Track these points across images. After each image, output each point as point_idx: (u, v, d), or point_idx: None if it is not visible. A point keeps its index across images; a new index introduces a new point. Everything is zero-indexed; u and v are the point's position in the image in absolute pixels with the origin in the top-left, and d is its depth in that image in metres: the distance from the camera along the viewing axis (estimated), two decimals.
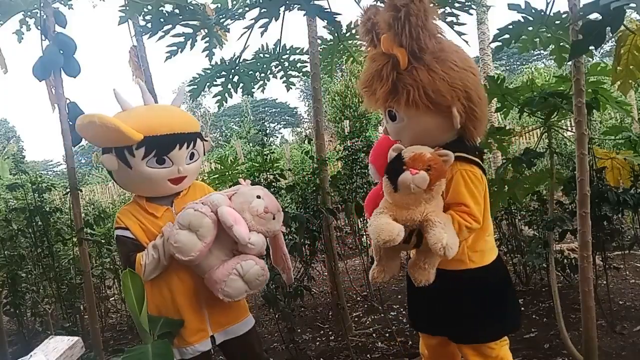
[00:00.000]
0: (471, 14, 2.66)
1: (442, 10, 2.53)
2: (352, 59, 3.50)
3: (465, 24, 2.69)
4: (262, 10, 2.41)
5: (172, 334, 1.79)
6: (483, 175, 1.64)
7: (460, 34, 2.76)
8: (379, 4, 1.91)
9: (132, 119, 1.79)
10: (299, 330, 3.42)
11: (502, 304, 1.74)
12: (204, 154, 2.01)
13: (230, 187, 2.94)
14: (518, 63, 34.47)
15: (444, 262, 1.62)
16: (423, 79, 1.51)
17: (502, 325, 1.76)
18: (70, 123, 2.87)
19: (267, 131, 3.36)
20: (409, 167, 1.47)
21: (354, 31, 3.11)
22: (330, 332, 3.37)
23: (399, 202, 1.52)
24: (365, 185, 3.61)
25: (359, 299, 3.97)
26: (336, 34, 3.22)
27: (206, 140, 2.01)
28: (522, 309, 3.22)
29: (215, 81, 2.96)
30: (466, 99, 1.56)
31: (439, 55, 1.54)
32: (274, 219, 1.84)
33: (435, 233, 1.45)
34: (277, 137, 39.58)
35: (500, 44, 2.14)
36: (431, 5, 1.51)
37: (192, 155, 1.89)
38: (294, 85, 3.31)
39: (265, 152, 3.14)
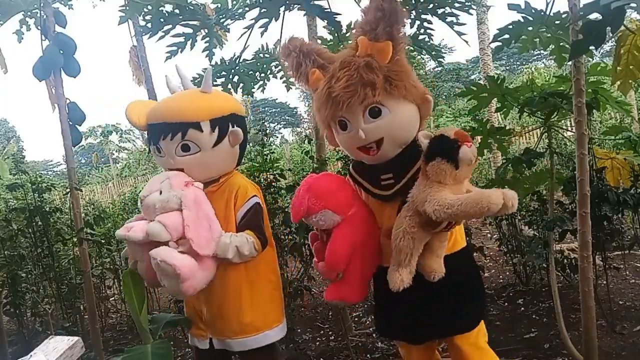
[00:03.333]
0: (471, 14, 2.67)
1: (442, 10, 2.54)
2: None
3: (465, 24, 2.70)
4: (262, 10, 2.41)
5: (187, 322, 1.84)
6: None
7: (460, 34, 2.77)
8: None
9: (150, 104, 1.86)
10: (299, 330, 3.42)
11: (481, 282, 1.85)
12: (232, 145, 1.84)
13: None
14: (518, 63, 34.46)
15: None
16: (407, 67, 1.61)
17: (483, 305, 1.85)
18: (71, 123, 2.87)
19: (267, 131, 3.36)
20: (463, 142, 1.48)
21: (354, 31, 3.11)
22: (330, 332, 3.37)
23: (460, 178, 1.51)
24: None
25: None
26: (336, 34, 3.22)
27: (202, 131, 1.75)
28: (522, 309, 3.22)
29: (215, 81, 2.96)
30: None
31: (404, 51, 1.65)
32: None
33: (488, 191, 1.44)
34: (277, 137, 39.59)
35: (500, 44, 2.14)
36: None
37: (185, 147, 1.73)
38: (294, 85, 3.31)
39: (265, 152, 3.14)
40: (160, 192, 1.67)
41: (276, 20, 2.45)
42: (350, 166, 1.86)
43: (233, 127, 1.82)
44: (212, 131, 1.75)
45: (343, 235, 1.65)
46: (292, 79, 1.79)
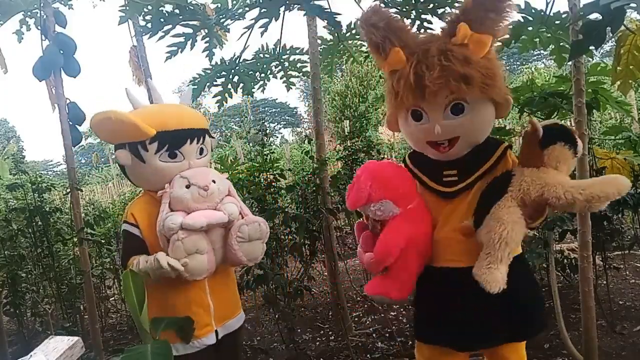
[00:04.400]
0: None
1: (442, 10, 2.53)
2: (352, 59, 3.50)
3: None
4: (262, 10, 2.41)
5: (185, 330, 1.80)
6: None
7: None
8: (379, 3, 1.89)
9: (144, 115, 1.82)
10: (299, 330, 3.42)
11: (539, 292, 1.70)
12: (212, 151, 2.05)
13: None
14: (518, 63, 34.45)
15: None
16: (496, 66, 1.52)
17: (541, 315, 1.68)
18: (71, 123, 2.87)
19: (267, 131, 3.36)
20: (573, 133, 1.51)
21: (354, 31, 3.11)
22: (330, 332, 3.37)
23: (571, 168, 1.54)
24: None
25: (359, 299, 3.97)
26: (336, 34, 3.22)
27: (213, 137, 2.03)
28: None
29: (215, 81, 2.96)
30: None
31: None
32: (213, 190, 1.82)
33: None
34: (277, 137, 39.58)
35: (500, 44, 2.13)
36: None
37: (201, 151, 1.92)
38: (294, 85, 3.31)
39: (265, 152, 3.14)
40: (214, 181, 1.81)
41: (276, 20, 2.44)
42: (407, 156, 1.77)
43: None
44: (210, 137, 1.98)
45: (399, 227, 1.58)
46: (366, 51, 1.67)
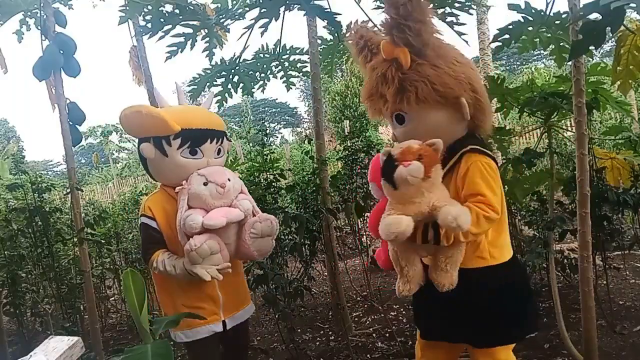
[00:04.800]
0: (471, 14, 2.66)
1: (442, 10, 2.53)
2: (352, 59, 3.49)
3: (465, 24, 2.69)
4: (262, 10, 2.40)
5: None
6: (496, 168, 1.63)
7: (460, 34, 2.76)
8: (379, 4, 1.92)
9: (170, 113, 1.94)
10: (299, 330, 3.42)
11: (524, 303, 1.70)
12: (227, 153, 2.18)
13: None
14: (518, 63, 34.47)
15: (465, 261, 1.61)
16: (429, 74, 1.54)
17: (523, 327, 1.70)
18: (71, 123, 2.87)
19: (267, 131, 3.36)
20: (401, 162, 1.49)
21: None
22: (330, 332, 3.37)
23: (403, 199, 1.53)
24: (365, 185, 3.60)
25: (359, 299, 3.97)
26: (336, 34, 3.21)
27: (229, 141, 2.16)
28: None
29: (215, 81, 2.96)
30: (471, 90, 1.59)
31: (439, 52, 1.58)
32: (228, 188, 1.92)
33: (443, 210, 1.45)
34: (277, 137, 39.60)
35: (500, 44, 2.14)
36: (429, 5, 1.57)
37: (219, 151, 2.04)
38: (294, 85, 3.31)
39: (265, 152, 3.14)
40: (229, 179, 1.92)
41: (276, 20, 2.44)
42: None
43: None
44: (227, 140, 2.11)
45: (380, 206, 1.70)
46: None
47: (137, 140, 2.03)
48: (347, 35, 1.84)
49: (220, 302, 2.02)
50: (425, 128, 1.61)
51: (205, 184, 1.87)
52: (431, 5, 1.62)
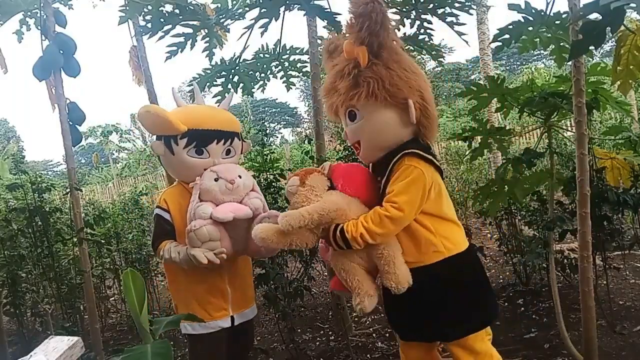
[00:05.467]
0: (471, 14, 2.67)
1: (442, 10, 2.54)
2: None
3: (465, 24, 2.70)
4: (262, 10, 2.41)
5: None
6: (433, 172, 1.71)
7: (460, 34, 2.77)
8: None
9: (182, 113, 2.02)
10: (299, 330, 3.42)
11: (483, 291, 1.79)
12: (242, 153, 2.22)
13: None
14: (518, 63, 34.44)
15: (424, 258, 1.69)
16: (382, 73, 1.65)
17: (485, 314, 1.79)
18: (71, 123, 2.87)
19: (267, 131, 3.36)
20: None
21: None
22: (330, 332, 3.37)
23: (294, 207, 1.74)
24: None
25: None
26: (336, 34, 3.21)
27: (245, 141, 2.20)
28: (522, 308, 3.22)
29: (215, 81, 2.96)
30: (420, 97, 1.69)
31: (395, 57, 1.69)
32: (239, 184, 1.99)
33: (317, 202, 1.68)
34: (277, 137, 39.58)
35: (500, 44, 2.14)
36: (389, 14, 1.74)
37: (228, 152, 2.08)
38: (294, 85, 3.31)
39: (265, 152, 3.14)
40: (240, 176, 1.98)
41: (276, 20, 2.45)
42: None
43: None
44: (239, 140, 2.14)
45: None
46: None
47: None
48: (322, 45, 1.96)
49: (229, 297, 2.06)
50: (374, 127, 1.71)
51: (216, 180, 1.94)
52: (395, 13, 1.73)
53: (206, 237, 1.85)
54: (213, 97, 3.02)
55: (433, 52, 3.13)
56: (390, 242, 1.69)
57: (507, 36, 2.11)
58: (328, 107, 1.83)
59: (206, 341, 2.04)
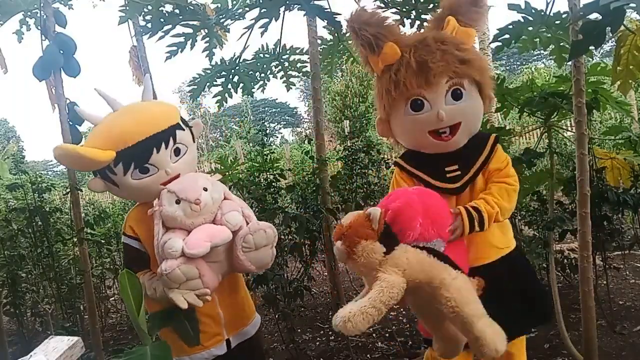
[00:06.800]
0: None
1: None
2: (352, 59, 3.50)
3: None
4: (262, 11, 2.41)
5: (188, 334, 1.68)
6: None
7: None
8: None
9: (101, 137, 1.68)
10: (299, 330, 3.42)
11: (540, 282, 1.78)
12: (194, 140, 1.85)
13: (229, 187, 2.94)
14: (518, 63, 34.47)
15: (510, 241, 1.69)
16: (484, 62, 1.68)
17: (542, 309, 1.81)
18: (71, 123, 2.87)
19: (267, 131, 3.36)
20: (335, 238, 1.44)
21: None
22: (330, 332, 3.37)
23: (361, 273, 1.48)
24: (365, 186, 3.60)
25: None
26: (336, 34, 3.22)
27: (190, 126, 1.82)
28: None
29: (215, 81, 2.96)
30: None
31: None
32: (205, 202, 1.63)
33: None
34: (277, 137, 39.60)
35: (500, 44, 2.14)
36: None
37: (177, 151, 1.73)
38: (294, 85, 3.31)
39: (265, 152, 3.14)
40: (205, 189, 1.64)
41: (276, 20, 2.45)
42: (400, 159, 1.76)
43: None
44: (185, 127, 1.78)
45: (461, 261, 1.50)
46: (358, 50, 1.69)
47: None
48: (352, 17, 1.65)
49: (222, 321, 1.81)
50: (476, 109, 1.66)
51: (177, 202, 1.60)
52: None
53: (182, 279, 1.55)
54: (213, 97, 3.02)
55: None
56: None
57: (507, 36, 2.11)
58: (418, 64, 1.53)
59: None
